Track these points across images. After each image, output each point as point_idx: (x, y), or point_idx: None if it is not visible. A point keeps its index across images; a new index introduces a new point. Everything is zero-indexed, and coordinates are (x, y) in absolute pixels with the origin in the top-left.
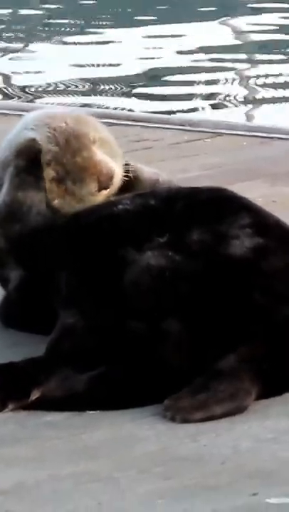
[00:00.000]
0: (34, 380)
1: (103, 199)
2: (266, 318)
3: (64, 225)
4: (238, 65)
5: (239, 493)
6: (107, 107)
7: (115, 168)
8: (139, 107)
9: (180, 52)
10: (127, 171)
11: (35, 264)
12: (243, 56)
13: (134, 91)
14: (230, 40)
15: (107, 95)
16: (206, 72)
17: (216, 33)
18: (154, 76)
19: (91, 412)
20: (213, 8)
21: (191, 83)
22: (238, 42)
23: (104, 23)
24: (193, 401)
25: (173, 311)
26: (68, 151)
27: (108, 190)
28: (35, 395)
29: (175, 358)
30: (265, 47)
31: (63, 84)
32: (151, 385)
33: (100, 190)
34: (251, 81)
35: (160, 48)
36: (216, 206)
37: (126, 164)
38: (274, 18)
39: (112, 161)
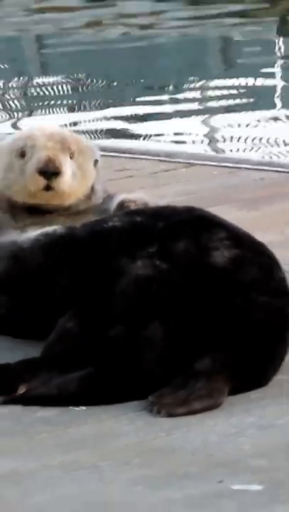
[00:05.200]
0: (21, 377)
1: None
2: (241, 325)
3: (60, 241)
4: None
5: (207, 481)
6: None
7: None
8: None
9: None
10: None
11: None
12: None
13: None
14: None
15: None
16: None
17: None
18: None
19: (78, 408)
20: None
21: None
22: None
23: None
24: (176, 398)
25: (157, 316)
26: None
27: (54, 188)
28: (21, 390)
29: (156, 360)
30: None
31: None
32: (132, 383)
33: (40, 173)
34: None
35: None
36: (195, 222)
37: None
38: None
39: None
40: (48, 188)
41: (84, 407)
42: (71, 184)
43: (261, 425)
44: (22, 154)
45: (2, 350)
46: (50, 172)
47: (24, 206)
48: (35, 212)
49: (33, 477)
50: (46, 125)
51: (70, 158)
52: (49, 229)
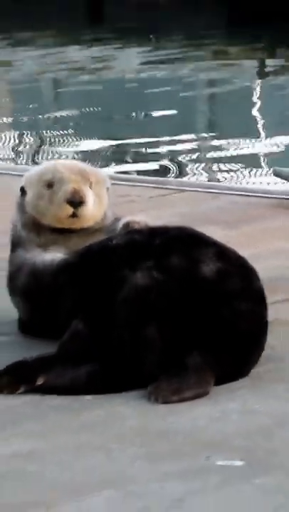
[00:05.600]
0: (39, 370)
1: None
2: (224, 327)
3: (73, 257)
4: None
5: (196, 458)
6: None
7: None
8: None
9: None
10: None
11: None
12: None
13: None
14: None
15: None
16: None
17: None
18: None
19: (87, 397)
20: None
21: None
22: None
23: None
24: (170, 388)
25: (154, 319)
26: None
27: (79, 215)
28: (40, 381)
29: (152, 356)
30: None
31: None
32: (133, 376)
33: (68, 203)
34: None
35: None
36: (186, 239)
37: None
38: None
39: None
40: (73, 215)
41: (92, 396)
42: (92, 211)
43: (242, 410)
44: (50, 185)
45: (21, 348)
46: (76, 202)
47: (48, 227)
48: (56, 231)
49: (50, 455)
50: (66, 160)
51: (90, 187)
52: (60, 251)
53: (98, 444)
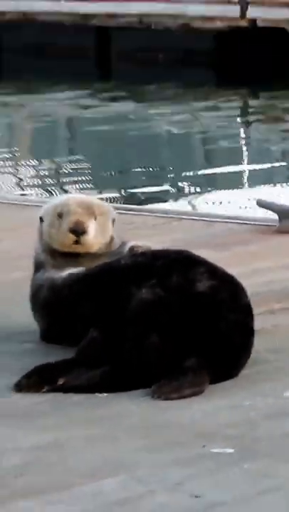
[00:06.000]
0: (60, 372)
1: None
2: (216, 334)
3: (87, 272)
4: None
5: (194, 446)
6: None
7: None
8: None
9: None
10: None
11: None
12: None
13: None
14: None
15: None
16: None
17: None
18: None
19: (101, 395)
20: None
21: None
22: None
23: None
24: (171, 387)
25: (157, 328)
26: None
27: (82, 243)
28: (60, 382)
29: (155, 360)
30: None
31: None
32: (139, 377)
33: (71, 232)
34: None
35: None
36: (183, 261)
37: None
38: None
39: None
40: (77, 242)
41: (105, 394)
42: (94, 239)
43: (233, 406)
44: (60, 215)
45: (43, 353)
46: (79, 231)
47: (60, 252)
48: (69, 255)
49: (68, 445)
50: (77, 194)
51: (94, 219)
52: (75, 269)
53: (109, 435)
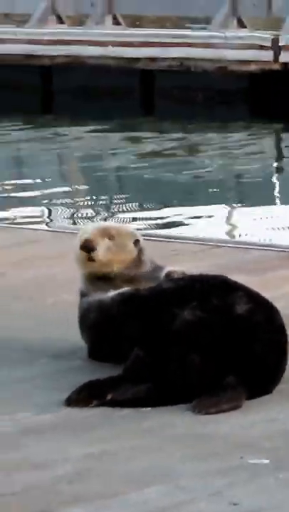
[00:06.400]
0: (108, 388)
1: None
2: (253, 353)
3: (130, 298)
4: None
5: (232, 457)
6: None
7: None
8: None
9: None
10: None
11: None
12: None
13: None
14: None
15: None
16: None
17: None
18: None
19: (145, 409)
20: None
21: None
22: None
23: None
24: (211, 402)
25: (198, 348)
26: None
27: (95, 259)
28: (109, 397)
29: (196, 377)
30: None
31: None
32: (181, 392)
33: (81, 249)
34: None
35: None
36: (221, 285)
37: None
38: None
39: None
40: (90, 258)
41: (149, 409)
42: (106, 256)
43: (268, 419)
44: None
45: (89, 371)
46: (88, 248)
47: (95, 277)
48: (103, 279)
49: (116, 455)
50: (102, 222)
51: (110, 239)
52: (122, 290)
53: (154, 446)
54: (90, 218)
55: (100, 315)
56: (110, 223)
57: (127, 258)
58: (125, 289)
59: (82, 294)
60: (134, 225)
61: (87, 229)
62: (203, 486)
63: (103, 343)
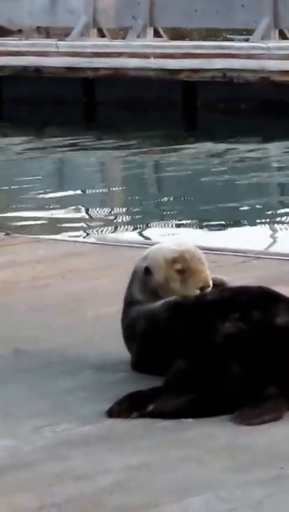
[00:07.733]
0: (149, 399)
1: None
2: None
3: (176, 307)
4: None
5: (272, 467)
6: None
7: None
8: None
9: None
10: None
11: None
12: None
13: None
14: None
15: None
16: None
17: None
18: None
19: (187, 420)
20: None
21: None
22: None
23: None
24: (252, 413)
25: (239, 359)
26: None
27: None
28: (150, 408)
29: (238, 388)
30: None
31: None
32: (223, 404)
33: (200, 290)
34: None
35: None
36: (264, 296)
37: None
38: None
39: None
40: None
41: (191, 420)
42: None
43: None
44: (179, 271)
45: (133, 382)
46: (207, 287)
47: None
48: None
49: (157, 466)
50: (178, 244)
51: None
52: (170, 298)
53: (195, 457)
54: (133, 230)
55: (147, 323)
56: (195, 250)
57: None
58: (173, 297)
59: (131, 303)
60: (175, 238)
61: (190, 263)
62: (243, 496)
63: (149, 353)
